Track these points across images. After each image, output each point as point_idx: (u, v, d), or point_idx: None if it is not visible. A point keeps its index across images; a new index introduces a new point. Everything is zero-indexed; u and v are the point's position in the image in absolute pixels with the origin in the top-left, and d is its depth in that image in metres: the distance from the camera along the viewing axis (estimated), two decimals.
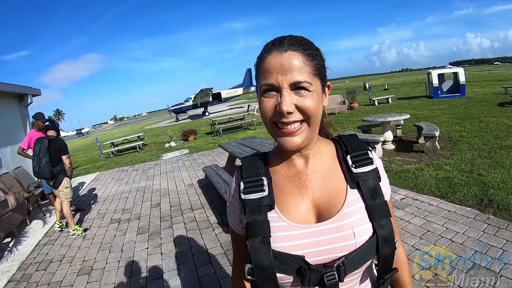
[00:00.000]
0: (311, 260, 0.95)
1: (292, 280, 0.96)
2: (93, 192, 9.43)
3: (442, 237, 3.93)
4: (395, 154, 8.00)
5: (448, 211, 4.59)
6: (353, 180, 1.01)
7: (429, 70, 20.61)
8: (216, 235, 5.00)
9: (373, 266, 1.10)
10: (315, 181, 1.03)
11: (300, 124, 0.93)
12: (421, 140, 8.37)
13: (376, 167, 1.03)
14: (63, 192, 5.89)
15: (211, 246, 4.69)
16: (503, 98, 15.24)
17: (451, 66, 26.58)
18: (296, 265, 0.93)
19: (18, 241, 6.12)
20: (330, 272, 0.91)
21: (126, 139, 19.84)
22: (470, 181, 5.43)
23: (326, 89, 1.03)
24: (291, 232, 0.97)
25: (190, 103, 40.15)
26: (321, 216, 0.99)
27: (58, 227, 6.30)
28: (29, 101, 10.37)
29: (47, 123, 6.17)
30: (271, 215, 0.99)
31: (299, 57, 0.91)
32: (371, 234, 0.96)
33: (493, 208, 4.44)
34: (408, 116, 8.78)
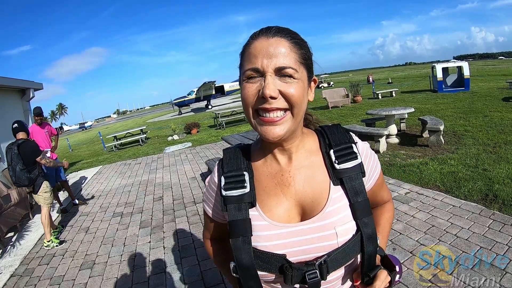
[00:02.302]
0: (293, 259, 0.95)
1: (274, 277, 0.97)
2: (96, 186, 9.44)
3: (447, 232, 3.90)
4: (399, 148, 7.97)
5: (453, 206, 4.55)
6: (336, 177, 0.99)
7: (433, 64, 20.52)
8: None
9: (357, 263, 1.07)
10: (298, 179, 1.01)
11: (284, 113, 0.90)
12: (426, 134, 8.32)
13: (360, 162, 1.01)
14: (43, 196, 5.49)
15: None
16: (508, 92, 15.14)
17: (455, 60, 26.52)
18: (278, 263, 0.94)
19: (20, 236, 6.12)
20: (312, 271, 0.92)
21: (129, 132, 19.85)
22: (475, 176, 5.39)
23: (312, 83, 1.02)
24: (272, 232, 0.97)
25: (193, 96, 40.13)
26: (305, 214, 0.99)
27: (57, 242, 5.49)
28: (31, 95, 10.33)
29: (15, 125, 5.56)
30: (252, 213, 0.99)
31: (286, 43, 0.90)
32: (354, 232, 0.97)
33: (498, 203, 4.40)
34: (412, 109, 8.71)
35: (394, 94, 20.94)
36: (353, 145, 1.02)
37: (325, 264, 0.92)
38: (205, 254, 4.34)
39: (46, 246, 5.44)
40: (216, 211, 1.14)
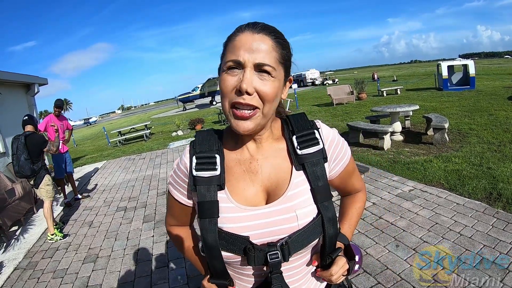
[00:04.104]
0: (256, 241, 1.00)
1: (240, 259, 1.02)
2: (100, 181, 9.47)
3: (450, 230, 3.89)
4: (403, 145, 7.94)
5: (457, 204, 4.54)
6: (298, 162, 1.04)
7: (439, 62, 20.38)
8: None
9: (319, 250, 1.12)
10: (265, 167, 1.06)
11: (254, 110, 0.94)
12: (430, 132, 8.30)
13: (322, 148, 1.05)
14: (45, 189, 5.50)
15: None
16: None
17: (461, 59, 26.32)
18: (242, 245, 0.99)
19: (24, 229, 6.16)
20: (274, 251, 0.97)
21: (133, 128, 19.89)
22: (479, 174, 5.37)
23: (288, 82, 1.06)
24: (237, 214, 1.01)
25: (198, 92, 40.05)
26: (269, 199, 1.04)
27: (61, 236, 5.53)
28: (35, 90, 10.38)
29: (25, 117, 5.71)
30: (220, 195, 1.02)
31: (269, 41, 0.94)
32: (315, 215, 1.02)
33: (503, 202, 4.38)
34: (417, 107, 8.67)
35: (399, 92, 20.83)
36: (316, 131, 1.06)
37: (287, 245, 0.97)
38: None
39: (49, 240, 5.48)
40: (184, 193, 1.15)
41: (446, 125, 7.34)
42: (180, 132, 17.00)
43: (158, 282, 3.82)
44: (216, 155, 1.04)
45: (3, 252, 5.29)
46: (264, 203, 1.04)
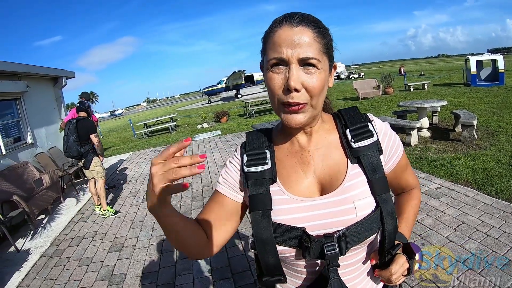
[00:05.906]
0: (312, 233, 0.96)
1: (294, 253, 0.98)
2: (126, 172, 9.64)
3: (477, 230, 3.81)
4: (430, 142, 7.81)
5: (485, 203, 4.44)
6: (353, 155, 1.02)
7: (467, 57, 19.89)
8: (247, 216, 4.96)
9: (377, 247, 1.09)
10: (317, 157, 1.05)
11: (303, 104, 0.92)
12: (458, 129, 8.10)
13: (377, 140, 1.03)
14: (95, 171, 5.89)
15: (242, 227, 4.66)
16: None
17: (490, 53, 25.53)
18: (297, 237, 0.95)
19: (51, 218, 6.34)
20: (330, 243, 0.93)
21: (158, 120, 20.04)
22: (508, 174, 5.23)
23: (332, 69, 1.02)
24: (292, 205, 0.99)
25: (223, 85, 40.22)
26: (324, 190, 1.02)
27: (99, 210, 6.18)
28: (63, 83, 10.54)
29: (78, 104, 6.14)
30: (273, 188, 1.02)
31: (309, 33, 0.91)
32: (373, 208, 0.98)
33: None
34: (445, 102, 8.50)
35: (426, 87, 20.40)
36: (369, 123, 1.05)
37: (344, 238, 0.94)
38: (232, 240, 4.38)
39: (102, 215, 6.00)
40: (232, 191, 1.10)
41: (475, 122, 7.17)
42: (205, 125, 17.10)
43: (182, 273, 3.88)
44: (266, 151, 1.04)
45: (30, 240, 5.47)
46: (318, 195, 1.02)
